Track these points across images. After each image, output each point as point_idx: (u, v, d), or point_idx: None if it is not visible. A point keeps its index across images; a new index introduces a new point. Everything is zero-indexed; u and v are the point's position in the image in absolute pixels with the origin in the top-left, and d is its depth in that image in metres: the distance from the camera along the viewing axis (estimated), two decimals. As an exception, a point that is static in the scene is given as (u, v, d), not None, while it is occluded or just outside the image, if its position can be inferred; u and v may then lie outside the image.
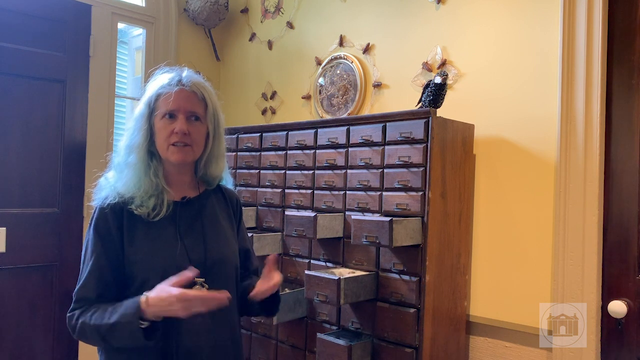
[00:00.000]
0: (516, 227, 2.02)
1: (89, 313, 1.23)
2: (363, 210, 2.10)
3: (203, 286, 1.29)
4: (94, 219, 1.31)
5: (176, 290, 1.16)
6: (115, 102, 3.01)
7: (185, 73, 1.37)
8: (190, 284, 1.28)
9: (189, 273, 1.21)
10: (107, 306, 1.23)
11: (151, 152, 1.36)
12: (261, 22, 3.20)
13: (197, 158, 1.39)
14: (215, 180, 1.48)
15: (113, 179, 1.35)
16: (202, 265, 1.32)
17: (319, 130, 2.31)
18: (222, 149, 1.45)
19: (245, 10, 3.31)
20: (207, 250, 1.35)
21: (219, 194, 1.51)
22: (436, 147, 1.92)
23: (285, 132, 2.46)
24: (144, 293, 1.20)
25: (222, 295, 1.19)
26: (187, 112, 1.33)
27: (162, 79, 1.36)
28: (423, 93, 2.03)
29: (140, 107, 1.36)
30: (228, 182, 1.56)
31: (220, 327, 1.34)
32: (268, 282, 1.36)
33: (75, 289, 1.28)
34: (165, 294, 1.17)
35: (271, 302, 1.44)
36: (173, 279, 1.20)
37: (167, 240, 1.32)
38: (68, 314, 1.27)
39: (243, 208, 2.49)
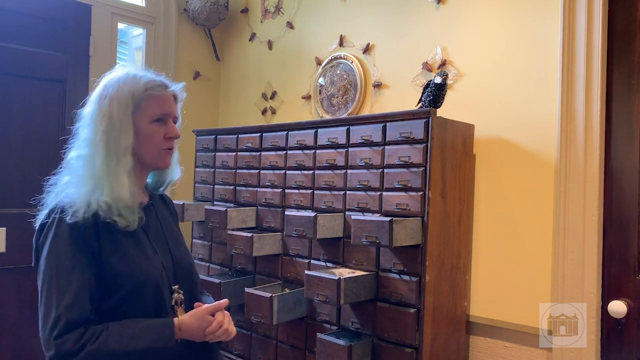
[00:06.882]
0: (516, 227, 2.02)
1: (98, 338, 1.10)
2: (363, 210, 2.10)
3: (179, 293, 1.29)
4: (64, 230, 1.15)
5: (216, 320, 1.23)
6: (115, 102, 3.01)
7: (163, 76, 1.34)
8: (169, 293, 1.27)
9: (222, 302, 1.27)
10: (121, 328, 1.14)
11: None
12: (261, 22, 3.20)
13: None
14: (167, 186, 1.45)
15: (88, 186, 1.20)
16: (172, 272, 1.30)
17: (319, 130, 2.31)
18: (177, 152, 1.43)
19: (245, 10, 3.31)
20: (173, 257, 1.33)
21: (159, 199, 1.46)
22: (436, 147, 1.92)
23: (285, 132, 2.46)
24: (178, 317, 1.23)
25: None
26: (174, 117, 1.33)
27: (138, 80, 1.26)
28: (423, 93, 2.03)
29: (118, 104, 1.23)
30: None
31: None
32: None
33: (59, 311, 1.09)
34: (206, 322, 1.22)
35: None
36: (210, 307, 1.24)
37: (147, 248, 1.27)
38: (56, 341, 1.07)
39: (243, 208, 2.52)
